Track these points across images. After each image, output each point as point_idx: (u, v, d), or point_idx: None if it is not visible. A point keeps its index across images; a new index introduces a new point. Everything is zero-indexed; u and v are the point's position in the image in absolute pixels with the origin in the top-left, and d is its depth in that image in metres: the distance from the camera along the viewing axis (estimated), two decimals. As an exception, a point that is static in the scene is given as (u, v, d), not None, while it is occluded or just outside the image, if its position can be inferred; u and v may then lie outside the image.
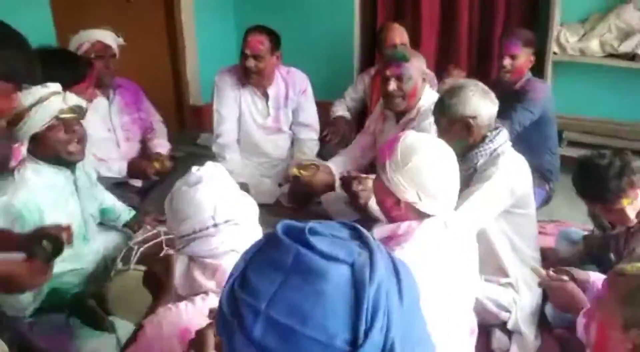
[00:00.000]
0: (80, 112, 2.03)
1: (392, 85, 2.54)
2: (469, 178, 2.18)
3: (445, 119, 2.15)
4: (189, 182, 1.40)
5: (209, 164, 1.48)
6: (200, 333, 1.05)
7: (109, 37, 2.86)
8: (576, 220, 2.83)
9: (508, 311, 2.17)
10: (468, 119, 2.10)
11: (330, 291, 0.65)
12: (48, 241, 1.59)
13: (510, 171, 2.13)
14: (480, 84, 2.20)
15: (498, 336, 2.16)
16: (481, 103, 2.12)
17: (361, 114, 3.61)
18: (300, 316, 0.64)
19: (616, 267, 1.32)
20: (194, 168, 1.47)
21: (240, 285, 0.69)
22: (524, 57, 2.97)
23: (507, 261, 2.19)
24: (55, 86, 1.97)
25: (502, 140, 2.17)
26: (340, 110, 3.56)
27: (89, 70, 2.49)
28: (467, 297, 1.68)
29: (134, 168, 2.88)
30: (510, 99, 2.98)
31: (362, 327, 0.64)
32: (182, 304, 1.29)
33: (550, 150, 3.08)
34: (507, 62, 2.97)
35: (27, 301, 1.89)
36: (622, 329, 1.19)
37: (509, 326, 2.17)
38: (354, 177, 2.42)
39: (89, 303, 1.93)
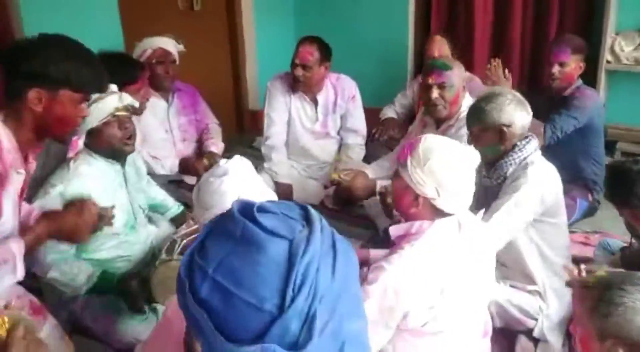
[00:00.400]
0: (133, 110, 2.23)
1: (435, 93, 2.61)
2: (499, 187, 2.22)
3: (480, 124, 2.18)
4: (216, 173, 1.54)
5: (236, 157, 1.62)
6: None
7: (169, 44, 3.08)
8: (622, 232, 2.78)
9: (534, 318, 2.18)
10: (502, 127, 2.13)
11: (266, 262, 0.76)
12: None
13: (540, 180, 2.15)
14: (517, 94, 2.23)
15: (523, 343, 2.18)
16: (517, 112, 2.15)
17: (409, 120, 3.68)
18: (238, 281, 0.75)
19: (580, 279, 1.35)
20: (222, 161, 1.61)
21: (198, 250, 0.81)
22: (573, 64, 2.95)
23: (535, 268, 2.20)
24: (113, 86, 2.17)
25: (531, 149, 2.19)
26: (390, 113, 3.66)
27: (142, 73, 2.70)
28: (479, 298, 1.73)
29: (186, 165, 3.09)
30: (559, 105, 2.98)
31: (290, 295, 0.74)
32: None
33: (595, 160, 3.03)
34: (555, 69, 2.96)
35: (82, 281, 2.10)
36: (598, 340, 1.23)
37: (535, 333, 2.18)
38: (389, 192, 2.52)
39: (133, 287, 2.11)
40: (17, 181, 1.70)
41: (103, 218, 1.92)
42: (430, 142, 1.64)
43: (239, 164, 1.58)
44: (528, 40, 3.72)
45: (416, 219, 1.65)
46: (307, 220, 0.82)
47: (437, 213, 1.63)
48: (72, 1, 3.02)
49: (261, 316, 0.74)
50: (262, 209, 0.82)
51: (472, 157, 1.65)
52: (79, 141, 2.19)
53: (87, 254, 2.21)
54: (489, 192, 2.26)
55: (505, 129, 2.13)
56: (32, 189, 2.11)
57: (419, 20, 4.11)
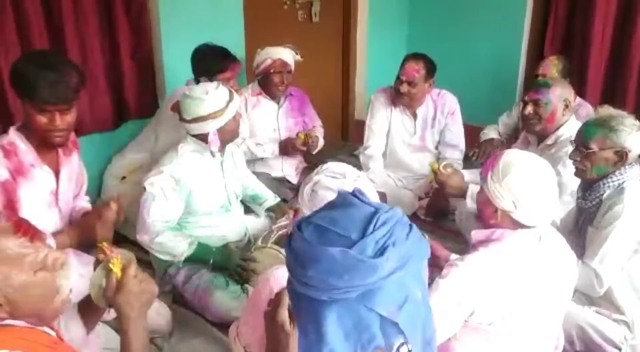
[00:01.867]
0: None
1: (529, 109, 2.69)
2: (595, 209, 2.20)
3: (603, 142, 2.14)
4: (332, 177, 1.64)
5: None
6: (278, 294, 1.19)
7: (288, 55, 3.29)
8: None
9: (617, 347, 2.14)
10: (625, 150, 2.12)
11: (356, 211, 0.99)
12: None
13: (637, 206, 2.12)
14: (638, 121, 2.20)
15: (605, 371, 2.14)
16: (638, 139, 2.14)
17: (512, 140, 3.66)
18: (333, 221, 0.98)
19: None
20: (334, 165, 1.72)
21: (310, 212, 1.06)
22: None
23: (624, 299, 2.16)
24: (223, 97, 2.38)
25: (632, 174, 2.16)
26: (490, 133, 3.66)
27: (233, 64, 2.95)
28: (553, 310, 1.75)
29: (285, 145, 3.33)
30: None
31: (370, 230, 0.94)
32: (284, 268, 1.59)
33: None
34: None
35: (183, 248, 2.37)
36: None
37: (618, 363, 2.14)
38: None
39: (234, 257, 2.38)
40: (43, 178, 1.98)
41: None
42: (511, 158, 1.70)
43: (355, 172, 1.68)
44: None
45: (496, 227, 1.72)
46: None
47: (516, 225, 1.69)
48: (203, 13, 3.34)
49: (345, 240, 0.93)
50: (360, 192, 1.02)
51: (552, 173, 1.69)
52: (215, 137, 2.42)
53: (185, 229, 2.48)
54: (584, 214, 2.26)
55: (627, 153, 2.12)
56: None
57: (533, 42, 4.07)
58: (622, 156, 2.12)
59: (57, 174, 2.04)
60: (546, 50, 3.88)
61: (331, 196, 1.57)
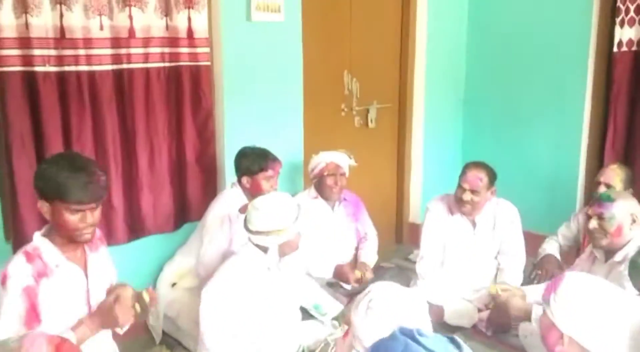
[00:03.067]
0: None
1: (593, 224, 2.62)
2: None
3: None
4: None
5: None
6: None
7: (341, 159, 3.39)
8: None
9: None
10: None
11: None
12: (140, 304, 2.02)
13: None
14: None
15: None
16: None
17: (574, 252, 3.54)
18: None
19: None
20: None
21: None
22: None
23: None
24: (288, 219, 2.43)
25: None
26: (550, 248, 3.55)
27: (273, 163, 3.06)
28: None
29: (339, 272, 3.26)
30: None
31: None
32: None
33: None
34: None
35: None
36: None
37: None
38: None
39: None
40: (71, 276, 2.01)
41: (143, 302, 2.05)
42: (574, 281, 1.64)
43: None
44: None
45: (562, 352, 1.63)
46: (458, 345, 0.93)
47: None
48: (265, 121, 3.50)
49: None
50: (420, 332, 0.95)
51: (621, 299, 1.61)
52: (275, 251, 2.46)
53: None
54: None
55: None
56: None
57: (592, 150, 4.04)
58: None
59: (85, 271, 2.08)
60: (606, 158, 3.84)
61: (386, 317, 1.56)
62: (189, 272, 3.10)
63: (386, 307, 1.53)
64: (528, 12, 4.26)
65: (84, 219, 1.95)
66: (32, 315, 1.90)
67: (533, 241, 3.59)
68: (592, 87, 3.99)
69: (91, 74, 2.78)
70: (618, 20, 3.77)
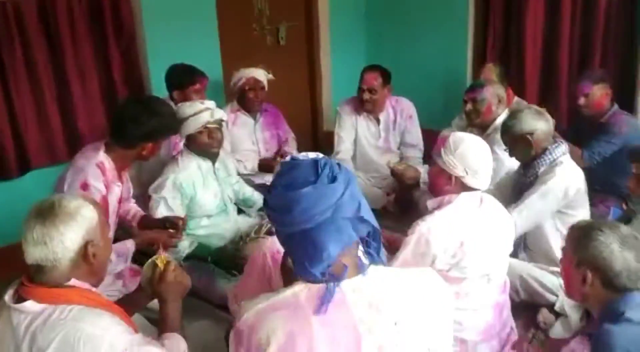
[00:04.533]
0: (221, 123, 2.90)
1: (468, 107, 3.22)
2: (531, 184, 2.68)
3: (509, 137, 2.70)
4: None
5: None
6: (284, 255, 1.64)
7: (260, 74, 3.74)
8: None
9: (555, 294, 2.59)
10: (526, 135, 2.62)
11: (303, 165, 1.28)
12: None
13: (566, 177, 2.61)
14: (534, 107, 2.73)
15: (545, 313, 2.59)
16: (535, 121, 2.64)
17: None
18: (292, 177, 1.27)
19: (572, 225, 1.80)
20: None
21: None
22: (597, 93, 3.37)
23: (558, 253, 2.61)
24: (209, 103, 2.84)
25: (560, 152, 2.65)
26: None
27: (201, 78, 3.39)
28: (497, 259, 2.20)
29: (264, 164, 3.73)
30: (595, 130, 3.39)
31: (319, 170, 1.25)
32: (273, 238, 1.99)
33: (633, 175, 3.38)
34: (581, 100, 3.42)
35: (184, 246, 2.75)
36: (576, 267, 1.68)
37: (556, 307, 2.59)
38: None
39: (227, 253, 2.76)
40: (116, 192, 2.47)
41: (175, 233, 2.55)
42: (459, 137, 2.16)
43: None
44: (575, 70, 4.10)
45: (448, 194, 2.15)
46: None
47: (465, 189, 2.13)
48: (185, 40, 3.77)
49: (308, 183, 1.25)
50: (294, 156, 1.36)
51: (487, 148, 2.15)
52: (180, 143, 2.87)
53: (190, 230, 2.87)
54: (524, 188, 2.74)
55: (529, 137, 2.61)
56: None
57: (476, 51, 4.60)
58: (527, 140, 2.60)
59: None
60: (488, 58, 4.40)
61: None
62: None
63: None
64: None
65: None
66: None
67: (429, 136, 4.13)
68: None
69: (15, 6, 2.96)
70: None
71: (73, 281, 1.54)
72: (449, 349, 1.36)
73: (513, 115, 2.72)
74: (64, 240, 1.47)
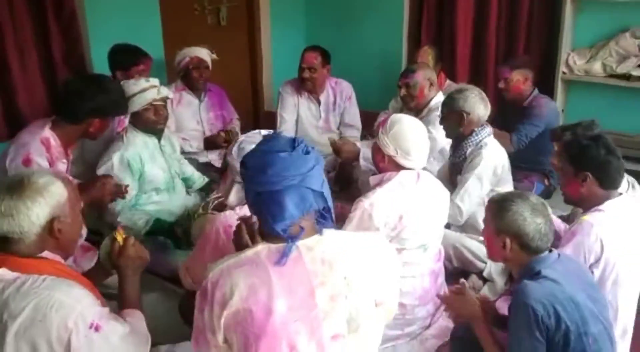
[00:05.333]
0: (166, 100, 2.95)
1: (403, 91, 3.42)
2: (460, 164, 2.91)
3: (448, 108, 2.90)
4: (251, 139, 2.17)
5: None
6: (237, 227, 1.76)
7: (204, 53, 3.79)
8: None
9: (483, 261, 2.84)
10: (463, 113, 2.83)
11: (282, 139, 1.45)
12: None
13: (492, 157, 2.85)
14: (482, 93, 2.93)
15: (474, 279, 2.83)
16: (477, 104, 2.85)
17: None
18: (270, 146, 1.43)
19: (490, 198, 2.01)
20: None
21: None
22: (515, 77, 3.63)
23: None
24: (155, 81, 2.89)
25: (485, 134, 2.88)
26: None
27: (145, 58, 3.42)
28: (433, 231, 2.40)
29: (209, 142, 3.82)
30: (519, 114, 3.66)
31: (296, 144, 1.41)
32: (228, 212, 2.11)
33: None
34: (501, 84, 3.69)
35: (141, 225, 2.81)
36: (496, 235, 1.89)
37: (484, 273, 2.84)
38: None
39: (177, 232, 2.84)
40: (60, 168, 2.50)
41: (119, 189, 2.63)
42: (396, 118, 2.34)
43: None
44: (501, 55, 4.38)
45: (386, 171, 2.34)
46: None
47: (399, 167, 2.31)
48: (124, 22, 3.74)
49: (284, 150, 1.41)
50: (275, 133, 1.52)
51: (424, 130, 2.34)
52: (125, 120, 2.92)
53: (140, 206, 2.93)
54: (454, 167, 2.97)
55: (465, 115, 2.83)
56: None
57: (411, 34, 4.80)
58: (462, 117, 2.81)
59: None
60: (422, 41, 4.61)
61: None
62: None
63: (253, 143, 1.96)
64: None
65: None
66: None
67: (368, 117, 4.31)
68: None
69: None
70: None
71: (45, 253, 1.61)
72: (395, 302, 1.55)
73: (461, 90, 2.91)
74: (30, 215, 1.54)
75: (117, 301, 1.86)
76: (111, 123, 2.71)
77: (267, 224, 1.43)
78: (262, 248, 1.44)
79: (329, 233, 1.48)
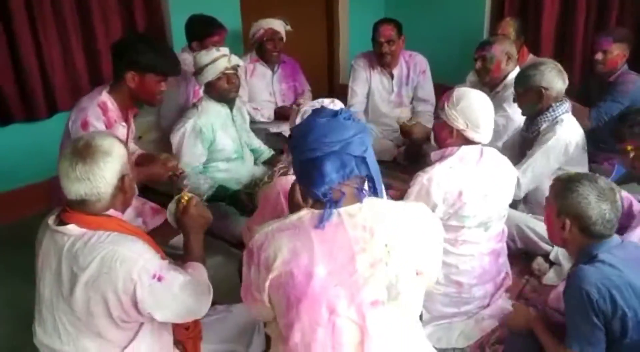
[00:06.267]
0: (237, 68, 2.99)
1: (478, 64, 3.28)
2: (533, 139, 2.78)
3: (523, 86, 2.76)
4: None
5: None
6: (291, 187, 1.85)
7: (278, 25, 3.82)
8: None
9: (550, 244, 2.72)
10: (541, 89, 2.70)
11: (329, 110, 1.48)
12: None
13: (566, 135, 2.71)
14: (559, 65, 2.78)
15: (539, 261, 2.73)
16: (555, 78, 2.71)
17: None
18: (316, 114, 1.47)
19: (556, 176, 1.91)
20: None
21: None
22: (615, 51, 3.38)
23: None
24: (224, 50, 2.94)
25: (563, 110, 2.74)
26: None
27: (220, 29, 3.44)
28: (495, 209, 2.31)
29: (279, 113, 3.86)
30: (604, 89, 3.44)
31: (339, 113, 1.44)
32: (290, 177, 2.13)
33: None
34: (598, 56, 3.41)
35: (205, 189, 2.91)
36: (557, 216, 1.81)
37: (550, 257, 2.73)
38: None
39: (242, 197, 2.92)
40: (121, 131, 2.56)
41: (177, 170, 2.71)
42: (461, 91, 2.26)
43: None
44: (590, 29, 4.12)
45: (451, 146, 2.26)
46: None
47: (466, 142, 2.24)
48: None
49: (327, 117, 1.44)
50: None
51: (489, 102, 2.25)
52: (200, 90, 2.98)
53: (208, 173, 3.03)
54: (527, 142, 2.86)
55: (543, 91, 2.70)
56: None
57: (495, 5, 4.60)
58: (540, 94, 2.68)
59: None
60: (506, 12, 4.41)
61: None
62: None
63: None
64: None
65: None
66: None
67: (444, 90, 4.20)
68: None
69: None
70: None
71: (111, 211, 1.71)
72: (436, 272, 1.54)
73: (535, 66, 2.77)
74: (105, 175, 1.63)
75: (182, 261, 1.95)
76: (182, 91, 2.73)
77: (309, 189, 1.46)
78: (305, 213, 1.47)
79: (371, 201, 1.48)
